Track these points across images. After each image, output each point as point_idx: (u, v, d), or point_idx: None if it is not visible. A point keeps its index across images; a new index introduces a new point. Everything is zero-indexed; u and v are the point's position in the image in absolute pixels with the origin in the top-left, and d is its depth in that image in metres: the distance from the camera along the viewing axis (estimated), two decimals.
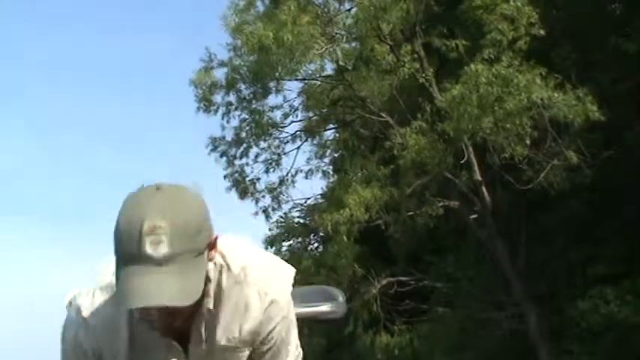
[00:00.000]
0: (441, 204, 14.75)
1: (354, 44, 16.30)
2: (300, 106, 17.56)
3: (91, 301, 1.71)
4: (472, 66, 12.95)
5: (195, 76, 16.10)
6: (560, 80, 13.01)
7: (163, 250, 1.43)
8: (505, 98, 12.71)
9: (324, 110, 17.67)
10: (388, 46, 15.18)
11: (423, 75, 14.95)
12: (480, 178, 15.11)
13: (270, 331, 1.75)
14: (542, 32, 13.79)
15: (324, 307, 2.18)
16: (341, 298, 2.24)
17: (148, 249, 1.42)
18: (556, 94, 12.76)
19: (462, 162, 14.79)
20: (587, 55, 14.56)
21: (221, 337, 1.72)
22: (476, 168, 15.04)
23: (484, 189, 15.10)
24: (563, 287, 14.55)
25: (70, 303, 1.74)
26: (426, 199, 14.93)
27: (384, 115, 16.00)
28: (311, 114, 17.86)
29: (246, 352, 1.78)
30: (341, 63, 15.70)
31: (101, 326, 1.68)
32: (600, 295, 13.61)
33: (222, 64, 16.16)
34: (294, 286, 1.80)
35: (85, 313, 1.70)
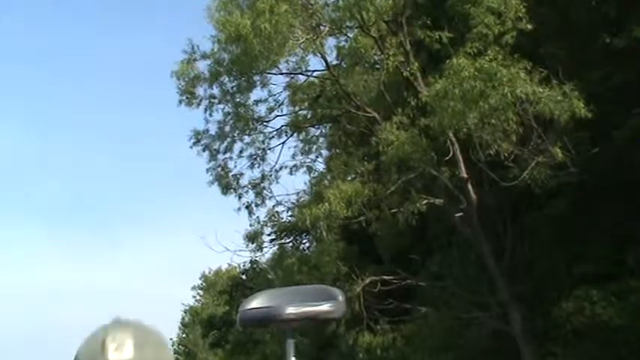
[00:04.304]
0: (425, 201, 14.42)
1: (339, 38, 15.95)
2: (286, 101, 17.26)
3: None
4: (455, 60, 12.65)
5: (178, 67, 15.79)
6: (545, 75, 12.71)
7: (128, 353, 1.35)
8: (489, 92, 12.40)
9: (311, 105, 17.35)
10: (373, 39, 14.85)
11: (408, 69, 14.64)
12: (465, 176, 14.80)
13: None
14: (529, 27, 13.50)
15: (324, 307, 2.10)
16: (341, 298, 2.17)
17: (112, 355, 1.34)
18: (541, 89, 12.45)
19: (447, 158, 14.48)
20: (576, 52, 14.27)
21: None
22: (462, 165, 14.74)
23: (470, 186, 14.80)
24: (549, 287, 14.27)
25: None
26: (410, 196, 14.61)
27: (370, 110, 15.71)
28: (297, 109, 17.54)
29: None
30: (326, 56, 15.41)
31: None
32: (586, 296, 13.33)
33: (204, 55, 15.83)
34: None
35: None
